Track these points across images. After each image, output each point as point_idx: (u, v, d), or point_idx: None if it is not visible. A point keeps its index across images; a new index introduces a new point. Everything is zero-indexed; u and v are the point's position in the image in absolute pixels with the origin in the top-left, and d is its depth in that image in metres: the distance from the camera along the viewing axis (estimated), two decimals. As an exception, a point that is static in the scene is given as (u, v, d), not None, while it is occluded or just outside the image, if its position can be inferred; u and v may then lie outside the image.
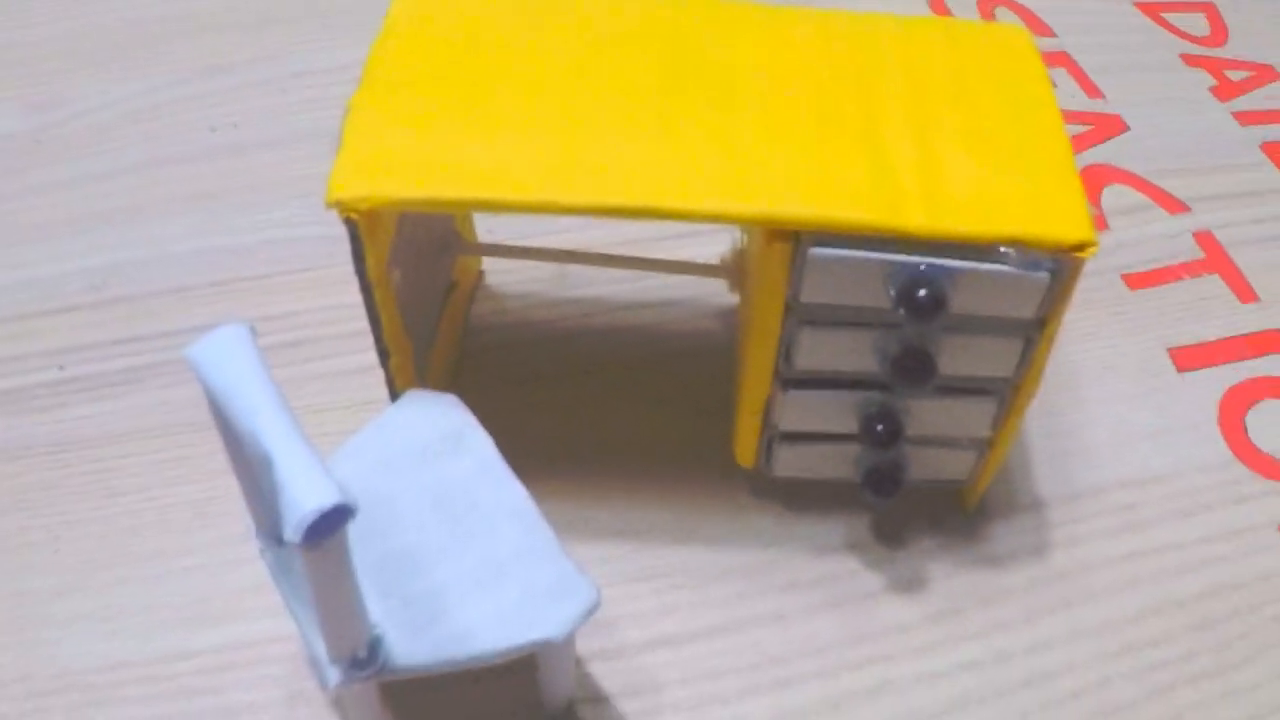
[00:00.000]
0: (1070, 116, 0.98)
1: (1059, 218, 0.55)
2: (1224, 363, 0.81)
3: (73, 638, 0.64)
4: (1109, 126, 0.97)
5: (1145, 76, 1.03)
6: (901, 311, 0.55)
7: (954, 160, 0.57)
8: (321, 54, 1.01)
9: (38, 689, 0.62)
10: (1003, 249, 0.54)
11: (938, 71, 0.62)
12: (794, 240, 0.55)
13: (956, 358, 0.59)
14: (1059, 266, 0.55)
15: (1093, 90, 1.01)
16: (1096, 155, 0.95)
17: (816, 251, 0.54)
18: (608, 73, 0.60)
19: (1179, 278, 0.86)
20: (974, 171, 0.56)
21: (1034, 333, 0.58)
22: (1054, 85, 0.89)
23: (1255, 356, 0.82)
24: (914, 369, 0.58)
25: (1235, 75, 1.05)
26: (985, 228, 0.54)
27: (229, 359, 0.45)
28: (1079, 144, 0.96)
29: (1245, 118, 1.01)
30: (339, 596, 0.46)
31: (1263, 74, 1.06)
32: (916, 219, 0.54)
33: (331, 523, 0.41)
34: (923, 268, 0.54)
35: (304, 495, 0.40)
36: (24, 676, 0.63)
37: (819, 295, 0.57)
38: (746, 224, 0.60)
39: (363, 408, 0.74)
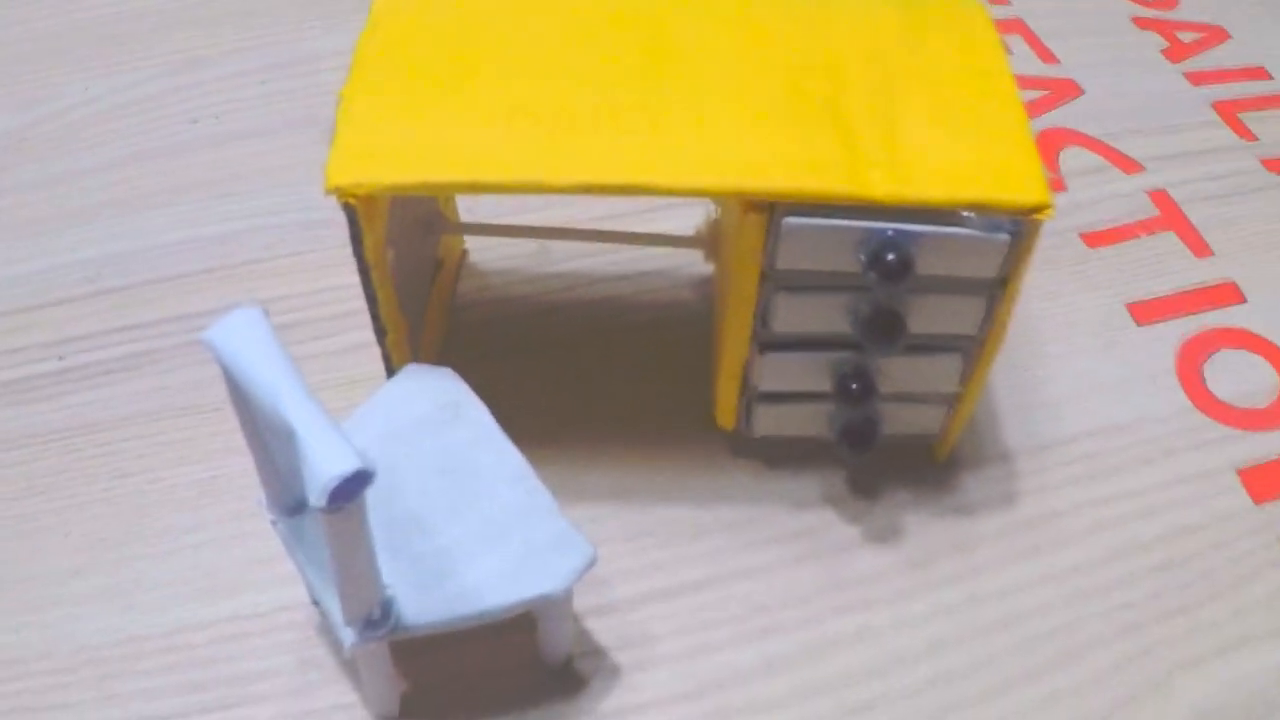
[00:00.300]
0: (1026, 82, 1.01)
1: (1016, 183, 0.58)
2: (1180, 315, 0.84)
3: (90, 615, 0.67)
4: (1064, 91, 1.00)
5: (1098, 40, 1.06)
6: (871, 275, 0.58)
7: (916, 131, 0.60)
8: (299, 44, 1.03)
9: (59, 665, 0.65)
10: (965, 214, 0.58)
11: (898, 47, 0.65)
12: (769, 211, 0.58)
13: (924, 317, 0.62)
14: (1018, 228, 0.58)
15: (1047, 55, 1.04)
16: (1053, 119, 0.98)
17: (790, 221, 0.58)
18: (588, 57, 0.63)
19: (1135, 235, 0.89)
20: (935, 141, 0.60)
21: (996, 291, 0.61)
22: (1010, 52, 0.93)
23: (1210, 308, 0.85)
24: (884, 329, 0.61)
25: (1186, 37, 1.08)
26: (948, 194, 0.57)
27: (246, 340, 0.48)
28: (1036, 109, 0.99)
29: (1196, 78, 1.04)
30: (357, 559, 0.50)
31: (1213, 35, 1.09)
32: (883, 188, 0.57)
33: (353, 487, 0.44)
34: (890, 233, 0.58)
35: (328, 462, 0.43)
36: (45, 654, 0.65)
37: (793, 262, 0.60)
38: (724, 197, 0.63)
39: (356, 384, 0.76)
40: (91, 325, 0.81)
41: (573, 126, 0.60)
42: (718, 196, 0.64)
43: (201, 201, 0.89)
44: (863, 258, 0.59)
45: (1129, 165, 0.93)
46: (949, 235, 0.58)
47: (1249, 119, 1.01)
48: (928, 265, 0.59)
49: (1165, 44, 1.07)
